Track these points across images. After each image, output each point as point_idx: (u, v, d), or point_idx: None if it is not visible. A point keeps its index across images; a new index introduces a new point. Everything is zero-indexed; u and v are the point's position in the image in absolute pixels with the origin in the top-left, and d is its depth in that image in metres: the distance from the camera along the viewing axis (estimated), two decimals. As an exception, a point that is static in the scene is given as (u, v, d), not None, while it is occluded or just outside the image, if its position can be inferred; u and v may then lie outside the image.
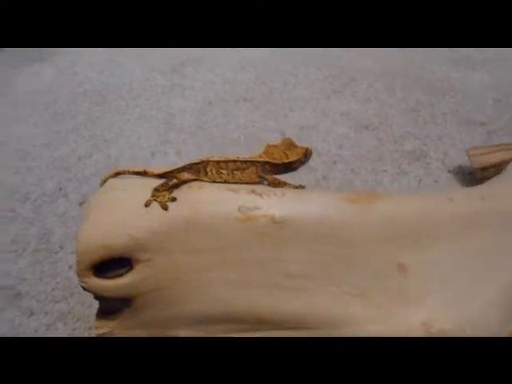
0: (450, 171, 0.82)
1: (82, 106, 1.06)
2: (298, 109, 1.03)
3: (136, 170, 0.46)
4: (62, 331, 0.57)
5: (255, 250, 0.42)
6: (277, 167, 0.44)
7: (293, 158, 0.44)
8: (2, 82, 1.15)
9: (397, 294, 0.43)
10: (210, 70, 1.19)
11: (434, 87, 1.08)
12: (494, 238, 0.45)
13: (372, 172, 0.84)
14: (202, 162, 0.43)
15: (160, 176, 0.45)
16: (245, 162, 0.43)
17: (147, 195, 0.43)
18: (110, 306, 0.44)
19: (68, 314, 0.58)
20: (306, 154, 0.45)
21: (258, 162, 0.44)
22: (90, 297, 0.44)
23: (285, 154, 0.44)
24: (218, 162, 0.43)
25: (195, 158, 0.44)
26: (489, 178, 0.59)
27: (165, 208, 0.41)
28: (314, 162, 0.45)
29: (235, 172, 0.43)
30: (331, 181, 0.83)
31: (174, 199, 0.42)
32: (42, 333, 0.56)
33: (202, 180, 0.44)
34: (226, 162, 0.43)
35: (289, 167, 0.45)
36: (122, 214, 0.41)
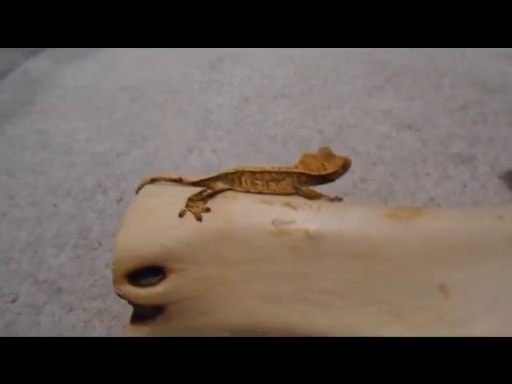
0: (499, 177, 0.77)
1: (122, 102, 1.08)
2: (338, 106, 1.00)
3: (172, 177, 0.46)
4: (98, 328, 0.58)
5: (288, 265, 0.41)
6: (313, 179, 0.43)
7: (331, 169, 0.43)
8: (49, 77, 1.19)
9: (437, 316, 0.41)
10: (247, 65, 1.18)
11: (485, 84, 1.01)
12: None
13: (413, 175, 0.80)
14: (237, 171, 0.43)
15: (195, 184, 0.44)
16: (280, 173, 0.42)
17: (182, 203, 0.42)
18: (143, 312, 0.44)
19: (104, 311, 0.60)
20: (345, 165, 0.44)
21: (294, 173, 0.42)
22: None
23: (322, 165, 0.43)
24: (253, 173, 0.42)
25: (230, 168, 0.43)
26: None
27: (199, 219, 0.41)
28: (352, 162, 0.44)
29: (270, 183, 0.42)
30: (369, 183, 0.80)
31: (208, 210, 0.42)
32: (80, 329, 0.58)
33: (236, 190, 0.43)
34: (262, 172, 0.42)
35: (326, 179, 0.43)
36: (155, 222, 0.42)
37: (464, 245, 0.41)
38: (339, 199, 0.44)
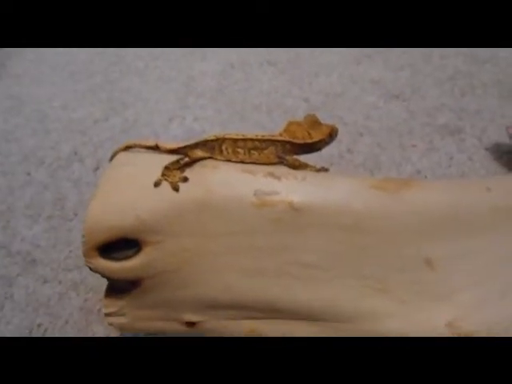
0: (486, 149, 0.76)
1: (99, 66, 1.02)
2: (325, 74, 0.96)
3: (148, 144, 0.43)
4: (74, 301, 0.56)
5: (270, 237, 0.39)
6: (298, 147, 0.40)
7: (317, 137, 0.40)
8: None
9: (422, 290, 0.40)
10: (233, 29, 1.13)
11: (475, 55, 0.99)
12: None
13: (400, 147, 0.78)
14: (218, 139, 0.40)
15: (172, 151, 0.41)
16: (264, 140, 0.40)
17: (158, 172, 0.40)
18: (118, 285, 0.42)
19: (80, 284, 0.58)
20: (332, 134, 0.41)
21: (278, 141, 0.40)
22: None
23: (308, 132, 0.40)
24: (235, 141, 0.40)
25: (211, 135, 0.41)
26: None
27: (175, 189, 0.38)
28: (338, 132, 0.42)
29: (252, 151, 0.40)
30: (355, 154, 0.78)
31: (185, 179, 0.39)
32: (55, 302, 0.56)
33: (216, 159, 0.41)
34: (244, 140, 0.40)
35: (312, 148, 0.41)
36: (130, 193, 0.39)
37: (452, 217, 0.40)
38: (325, 169, 0.42)
